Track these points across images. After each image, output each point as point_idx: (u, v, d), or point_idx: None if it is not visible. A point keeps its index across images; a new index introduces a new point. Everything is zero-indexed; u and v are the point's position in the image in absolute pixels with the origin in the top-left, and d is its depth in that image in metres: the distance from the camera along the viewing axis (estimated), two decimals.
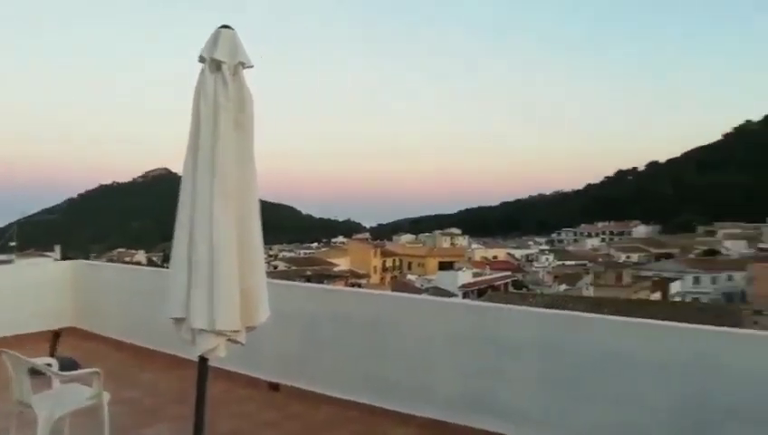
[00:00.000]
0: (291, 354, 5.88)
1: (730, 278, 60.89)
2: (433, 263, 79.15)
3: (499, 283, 58.05)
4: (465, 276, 55.56)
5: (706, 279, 59.74)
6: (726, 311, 23.35)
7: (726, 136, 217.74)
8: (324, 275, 54.13)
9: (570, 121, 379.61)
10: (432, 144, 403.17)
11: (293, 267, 59.34)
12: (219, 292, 2.74)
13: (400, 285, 56.14)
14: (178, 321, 2.86)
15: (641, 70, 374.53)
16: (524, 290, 54.47)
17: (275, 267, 58.92)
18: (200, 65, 2.86)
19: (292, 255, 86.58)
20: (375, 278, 71.52)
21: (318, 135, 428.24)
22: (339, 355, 5.59)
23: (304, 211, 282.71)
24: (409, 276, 69.64)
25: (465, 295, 52.28)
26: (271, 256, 71.18)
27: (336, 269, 63.26)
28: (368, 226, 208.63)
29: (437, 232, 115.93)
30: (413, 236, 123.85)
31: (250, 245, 2.88)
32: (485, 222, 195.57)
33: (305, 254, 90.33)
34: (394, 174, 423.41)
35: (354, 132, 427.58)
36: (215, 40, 2.83)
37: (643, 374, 3.80)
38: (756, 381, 3.45)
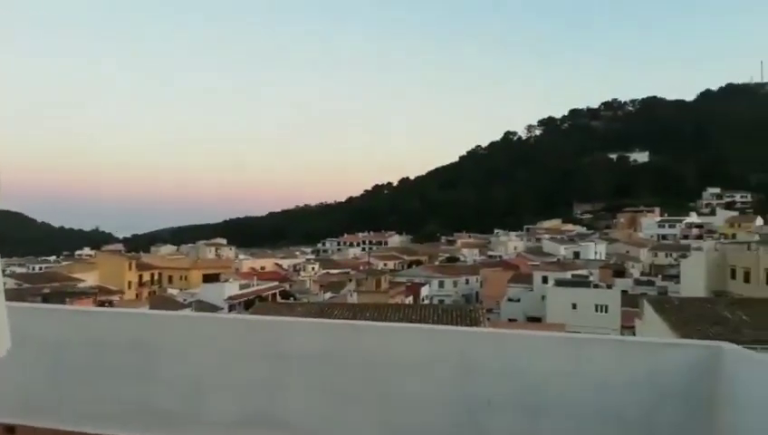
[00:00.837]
0: (33, 389, 4.93)
1: (467, 282, 70.41)
2: (197, 275, 75.35)
3: (267, 293, 57.83)
4: (231, 288, 54.16)
5: (449, 283, 68.15)
6: (466, 311, 26.73)
7: (461, 158, 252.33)
8: (66, 293, 47.31)
9: (335, 135, 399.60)
10: (195, 148, 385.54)
11: (26, 285, 50.67)
12: None
13: (160, 301, 52.18)
14: None
15: (392, 96, 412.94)
16: (292, 299, 55.20)
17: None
18: None
19: (23, 270, 74.08)
20: (130, 294, 65.15)
21: (55, 129, 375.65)
22: (94, 386, 4.86)
23: (39, 219, 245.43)
24: (171, 291, 65.16)
25: (231, 308, 50.99)
26: None
27: (81, 285, 55.87)
28: (120, 236, 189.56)
29: (202, 243, 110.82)
30: (174, 248, 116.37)
31: None
32: (253, 232, 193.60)
33: (42, 268, 78.10)
34: (150, 179, 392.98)
35: (101, 127, 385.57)
36: None
37: (417, 376, 4.08)
38: (504, 373, 3.96)
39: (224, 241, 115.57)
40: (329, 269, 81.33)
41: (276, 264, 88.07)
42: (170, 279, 78.63)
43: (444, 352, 4.10)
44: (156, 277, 78.01)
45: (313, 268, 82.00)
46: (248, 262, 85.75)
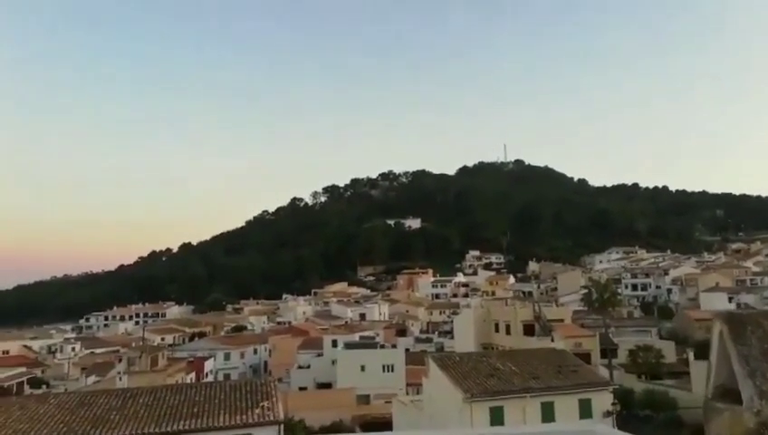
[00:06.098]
0: None
1: (255, 352, 67.11)
2: None
3: (10, 383, 47.64)
4: None
5: (236, 355, 64.06)
6: (257, 385, 24.86)
7: (248, 223, 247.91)
8: None
9: (96, 196, 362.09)
10: None
11: None
12: None
13: None
14: None
15: (175, 156, 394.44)
16: (45, 388, 46.42)
17: None
18: None
19: None
20: None
21: None
22: None
23: None
24: None
25: None
26: None
27: None
28: None
29: None
30: None
31: None
32: None
33: None
34: None
35: None
36: None
37: None
38: None
39: None
40: (94, 349, 70.94)
41: (25, 346, 73.76)
42: None
43: None
44: None
45: (74, 348, 70.68)
46: None
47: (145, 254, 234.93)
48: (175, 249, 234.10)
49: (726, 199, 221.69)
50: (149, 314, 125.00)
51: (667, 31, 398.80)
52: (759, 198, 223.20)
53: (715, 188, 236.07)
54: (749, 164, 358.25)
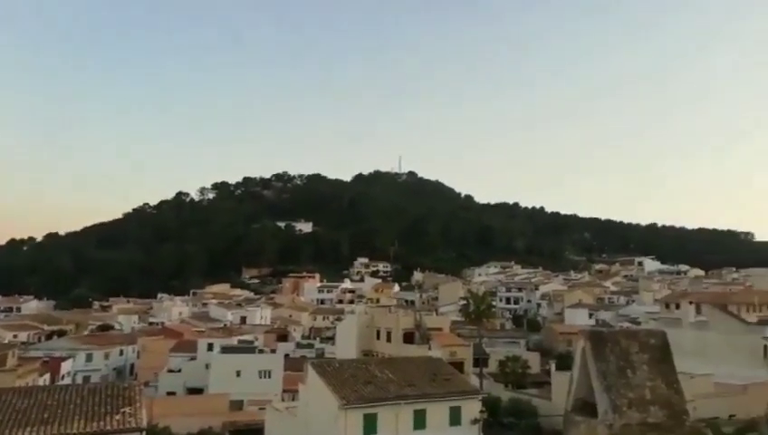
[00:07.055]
0: None
1: (122, 353, 62.60)
2: None
3: None
4: None
5: (99, 356, 59.30)
6: (119, 390, 23.08)
7: (126, 216, 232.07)
8: None
9: None
10: None
11: None
12: None
13: None
14: None
15: (46, 140, 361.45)
16: None
17: None
18: None
19: None
20: None
21: None
22: None
23: None
24: None
25: None
26: None
27: None
28: None
29: None
30: None
31: None
32: None
33: None
34: None
35: None
36: None
37: None
38: None
39: None
40: None
41: None
42: None
43: None
44: None
45: None
46: None
47: (3, 242, 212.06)
48: (39, 238, 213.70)
49: (594, 224, 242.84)
50: (2, 309, 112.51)
51: (548, 53, 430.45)
52: (621, 223, 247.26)
53: (585, 212, 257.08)
54: (614, 193, 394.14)
